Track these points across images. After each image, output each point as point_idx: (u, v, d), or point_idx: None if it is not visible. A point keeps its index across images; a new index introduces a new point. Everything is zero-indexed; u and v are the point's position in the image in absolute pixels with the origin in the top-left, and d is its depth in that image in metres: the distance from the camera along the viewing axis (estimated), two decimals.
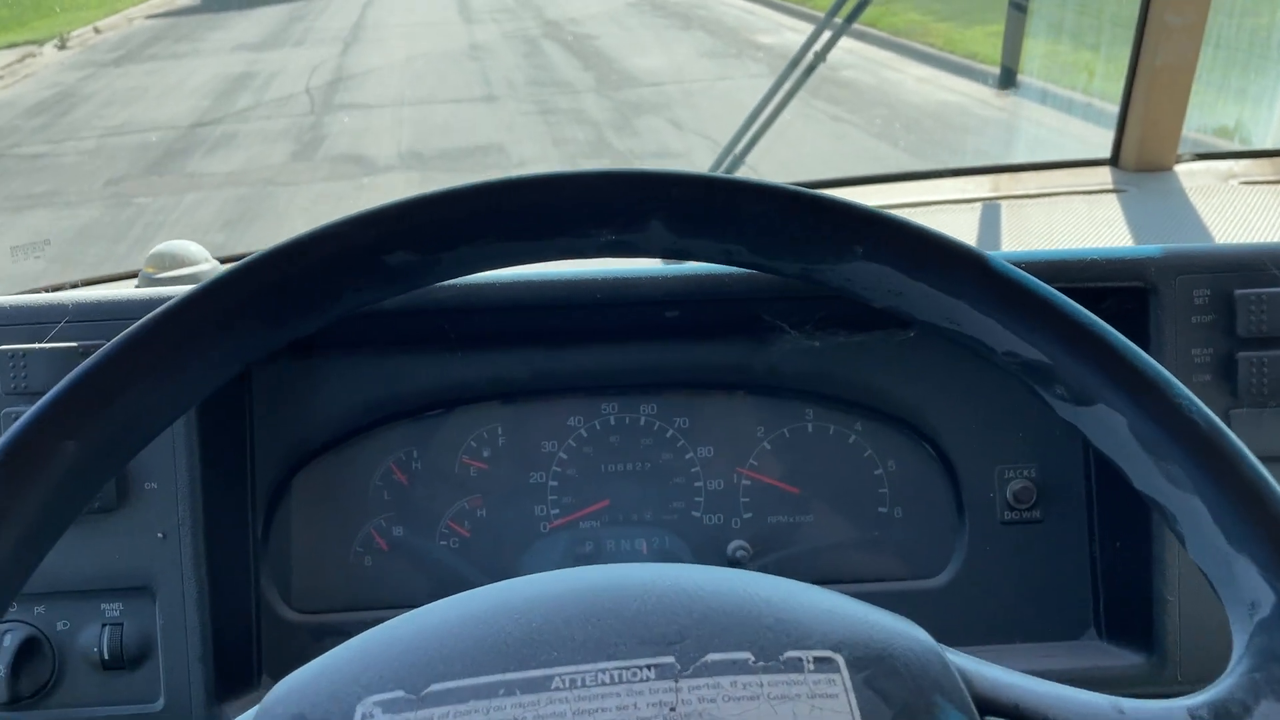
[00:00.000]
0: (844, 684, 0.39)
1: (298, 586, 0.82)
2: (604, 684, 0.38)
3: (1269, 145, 1.86)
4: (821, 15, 1.58)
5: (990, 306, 0.46)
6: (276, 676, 0.80)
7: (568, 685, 0.38)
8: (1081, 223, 1.28)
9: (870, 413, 0.83)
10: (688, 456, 0.84)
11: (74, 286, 1.27)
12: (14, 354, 0.71)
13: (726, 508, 0.84)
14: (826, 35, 1.50)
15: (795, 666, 0.39)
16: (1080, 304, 0.46)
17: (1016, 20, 1.61)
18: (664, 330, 0.81)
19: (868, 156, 4.97)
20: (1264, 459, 0.73)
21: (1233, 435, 0.44)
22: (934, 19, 7.37)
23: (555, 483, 0.84)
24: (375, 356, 0.81)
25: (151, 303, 0.74)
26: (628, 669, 0.39)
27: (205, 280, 0.44)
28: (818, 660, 0.39)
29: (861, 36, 7.02)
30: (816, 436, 0.84)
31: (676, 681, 0.38)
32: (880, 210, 0.47)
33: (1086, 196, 1.38)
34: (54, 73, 8.76)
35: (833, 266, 0.48)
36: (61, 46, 9.61)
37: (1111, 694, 0.42)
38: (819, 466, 0.84)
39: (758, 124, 1.51)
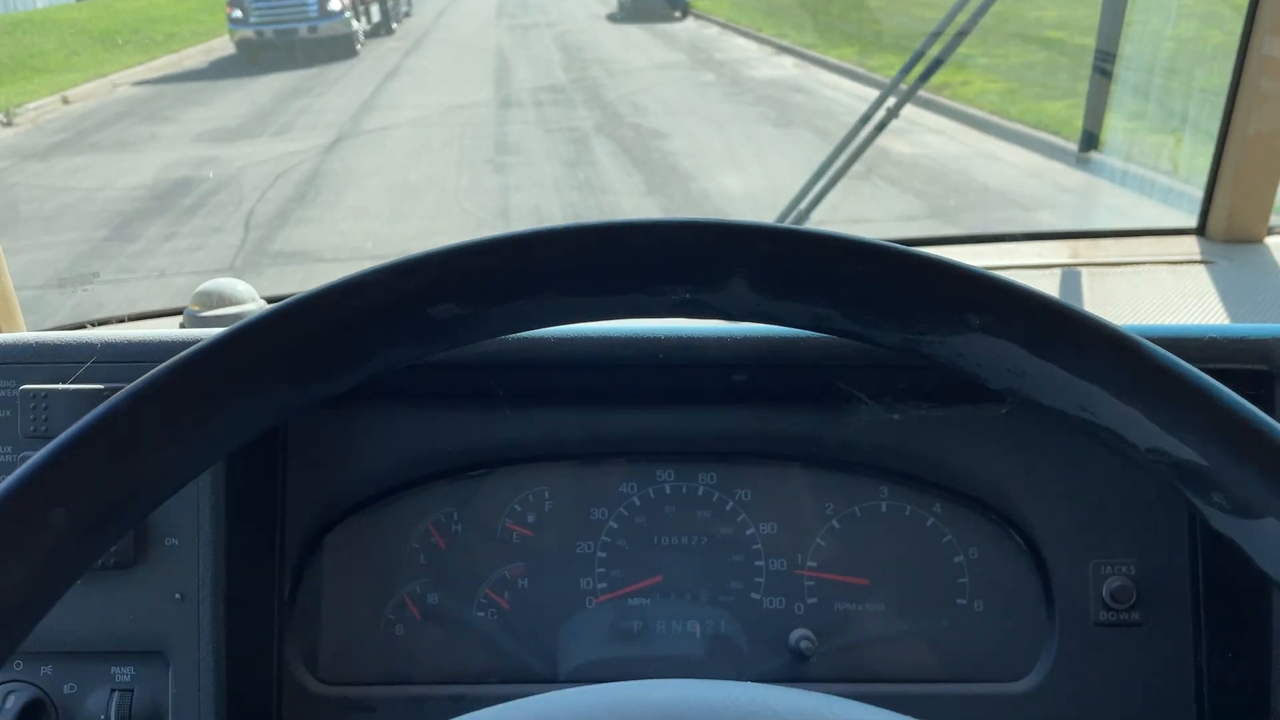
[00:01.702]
0: None
1: (324, 655, 0.76)
2: None
3: None
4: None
5: (1134, 395, 0.39)
6: None
7: None
8: (1169, 294, 1.21)
9: (951, 494, 0.76)
10: (748, 532, 0.77)
11: (120, 321, 1.24)
12: (35, 394, 0.66)
13: (789, 591, 0.77)
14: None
15: None
16: None
17: (1100, 85, 1.55)
18: (729, 395, 0.75)
19: None
20: None
21: None
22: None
23: (604, 554, 0.78)
24: (418, 410, 0.76)
25: (180, 345, 0.69)
26: None
27: (220, 332, 0.39)
28: None
29: (1037, 145, 5.55)
30: (890, 517, 0.77)
31: None
32: (1002, 276, 0.40)
33: (1172, 267, 1.30)
34: None
35: (942, 339, 0.41)
36: (7, 122, 7.94)
37: None
38: (892, 550, 0.77)
39: (825, 179, 1.46)
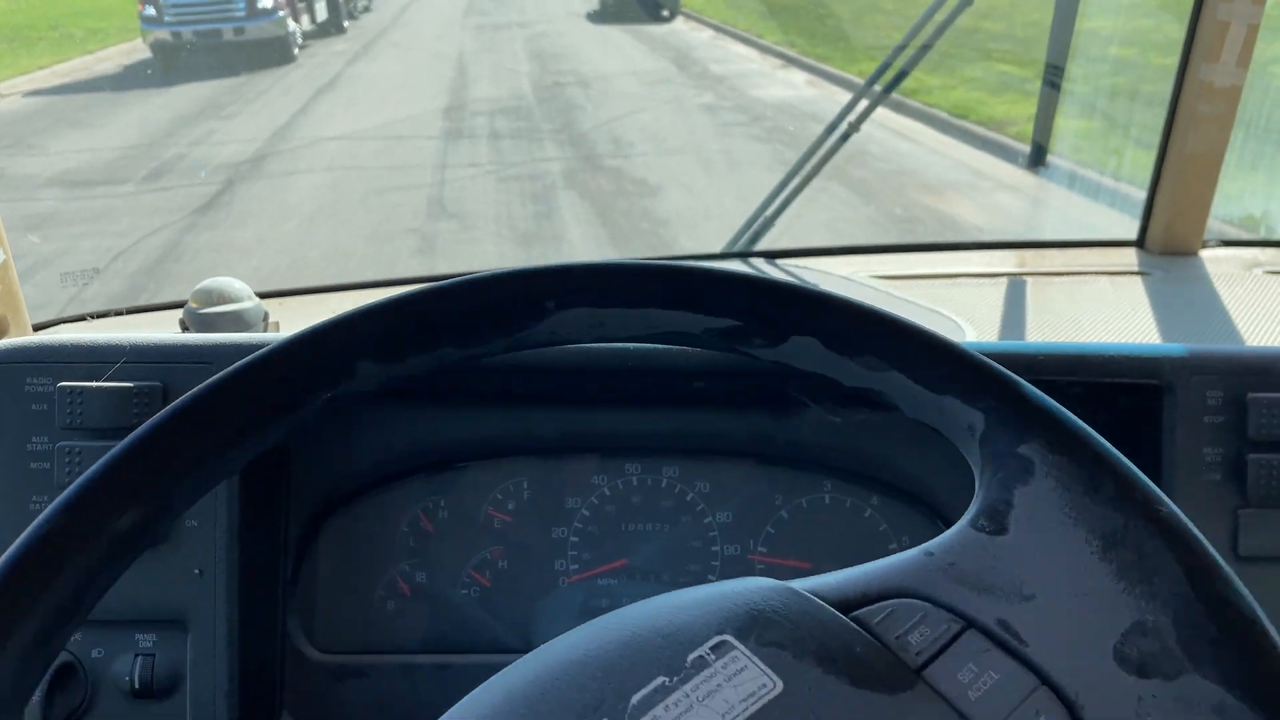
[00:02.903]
0: (744, 655, 0.43)
1: (321, 627, 0.84)
2: None
3: None
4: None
5: (676, 302, 0.53)
6: (295, 713, 0.83)
7: None
8: (1105, 304, 1.30)
9: (887, 488, 0.85)
10: (706, 521, 0.86)
11: (118, 314, 1.31)
12: (71, 390, 0.74)
13: (742, 573, 0.85)
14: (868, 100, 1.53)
15: (701, 665, 0.43)
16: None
17: (1049, 98, 1.64)
18: (691, 399, 0.84)
19: None
20: (1272, 560, 0.75)
21: (901, 315, 0.52)
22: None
23: (576, 538, 0.86)
24: (410, 408, 0.84)
25: (200, 349, 0.77)
26: None
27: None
28: (714, 648, 0.44)
29: None
30: (833, 508, 0.86)
31: None
32: (553, 265, 0.52)
33: (1112, 277, 1.39)
34: None
35: (535, 328, 0.53)
36: None
37: None
38: (834, 537, 0.85)
39: (786, 191, 1.54)
